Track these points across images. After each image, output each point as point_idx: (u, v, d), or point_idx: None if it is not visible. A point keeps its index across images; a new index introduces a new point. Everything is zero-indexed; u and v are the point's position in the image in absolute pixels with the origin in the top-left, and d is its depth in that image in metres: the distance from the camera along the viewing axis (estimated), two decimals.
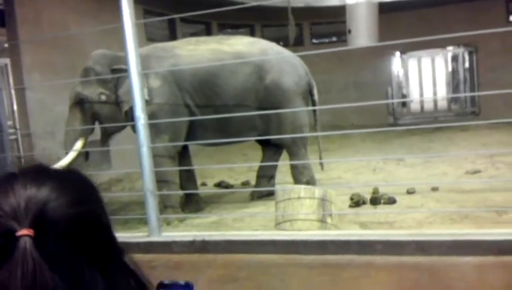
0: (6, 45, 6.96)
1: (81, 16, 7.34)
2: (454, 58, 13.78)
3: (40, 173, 0.76)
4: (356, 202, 5.16)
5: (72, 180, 0.77)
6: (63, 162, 4.86)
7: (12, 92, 7.76)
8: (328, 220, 4.22)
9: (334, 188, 4.92)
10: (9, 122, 7.59)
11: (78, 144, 5.02)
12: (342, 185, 6.00)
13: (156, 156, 4.59)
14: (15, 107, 8.00)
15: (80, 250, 0.72)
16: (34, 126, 6.41)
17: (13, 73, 6.87)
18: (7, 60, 7.74)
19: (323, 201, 4.20)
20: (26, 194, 0.71)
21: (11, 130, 7.87)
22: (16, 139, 8.55)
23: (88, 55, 5.32)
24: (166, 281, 0.89)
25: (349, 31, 8.88)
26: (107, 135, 5.38)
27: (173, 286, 0.89)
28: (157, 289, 0.89)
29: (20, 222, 0.69)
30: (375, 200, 5.18)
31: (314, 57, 4.99)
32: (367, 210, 5.03)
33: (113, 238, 0.80)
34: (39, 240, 0.68)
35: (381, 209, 5.01)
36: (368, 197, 5.26)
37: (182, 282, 0.89)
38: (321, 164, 5.95)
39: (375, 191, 5.39)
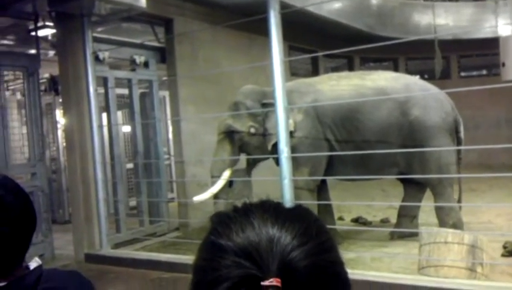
0: (164, 78, 7.66)
1: (232, 52, 7.85)
2: None
3: (279, 212, 0.67)
4: (510, 251, 4.72)
5: (312, 225, 0.67)
6: (212, 190, 5.17)
7: (169, 122, 8.51)
8: (478, 269, 3.90)
9: (485, 234, 4.54)
10: (164, 149, 8.33)
11: (226, 173, 5.31)
12: (493, 232, 5.51)
13: (296, 189, 4.68)
14: (170, 135, 8.75)
15: None
16: (186, 154, 6.90)
17: (171, 104, 7.52)
18: (166, 93, 8.55)
19: (473, 248, 3.89)
20: (269, 235, 0.62)
21: (166, 156, 8.62)
22: (169, 165, 9.35)
23: (236, 89, 5.65)
24: None
25: (503, 64, 8.29)
26: (253, 165, 5.64)
27: None
28: None
29: (263, 268, 0.59)
30: None
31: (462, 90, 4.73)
32: None
33: None
34: None
35: None
36: None
37: None
38: (460, 207, 5.55)
39: None
